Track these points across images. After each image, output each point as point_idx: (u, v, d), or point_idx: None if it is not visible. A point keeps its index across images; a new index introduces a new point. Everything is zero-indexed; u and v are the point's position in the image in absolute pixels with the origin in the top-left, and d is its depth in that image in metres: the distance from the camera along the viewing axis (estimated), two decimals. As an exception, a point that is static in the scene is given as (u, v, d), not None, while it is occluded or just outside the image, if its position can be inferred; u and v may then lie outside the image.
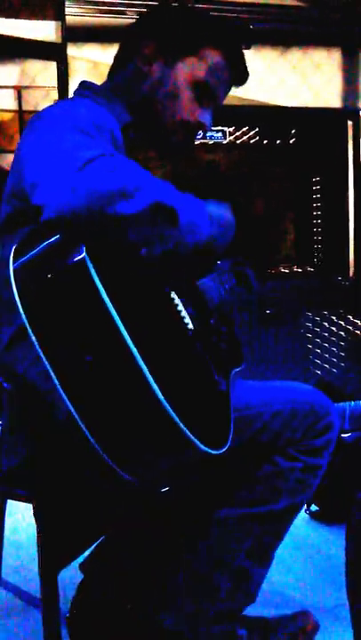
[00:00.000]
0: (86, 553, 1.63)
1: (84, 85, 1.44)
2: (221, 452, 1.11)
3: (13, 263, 1.06)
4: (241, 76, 1.48)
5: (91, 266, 1.00)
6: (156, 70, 1.41)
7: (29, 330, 1.02)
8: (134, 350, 0.97)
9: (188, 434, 1.01)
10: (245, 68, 1.48)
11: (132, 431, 1.03)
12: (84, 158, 1.04)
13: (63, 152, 1.07)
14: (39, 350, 1.01)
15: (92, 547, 1.63)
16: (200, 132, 1.46)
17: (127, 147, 1.37)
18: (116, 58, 1.49)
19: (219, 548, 1.42)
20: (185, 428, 1.01)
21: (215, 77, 1.42)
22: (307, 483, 1.42)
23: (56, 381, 1.01)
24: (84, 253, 1.00)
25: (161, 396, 0.98)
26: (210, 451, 1.06)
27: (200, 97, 1.42)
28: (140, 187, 1.03)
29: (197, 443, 1.03)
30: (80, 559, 1.62)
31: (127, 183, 1.02)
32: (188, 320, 1.28)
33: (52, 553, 1.34)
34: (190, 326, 1.28)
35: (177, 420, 0.99)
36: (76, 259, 1.01)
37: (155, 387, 0.98)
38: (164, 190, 1.07)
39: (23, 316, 1.02)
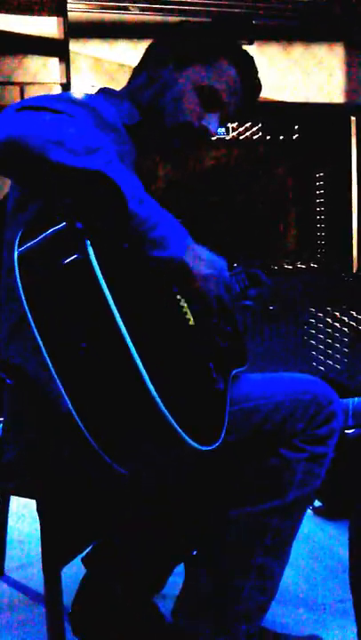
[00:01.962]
0: (89, 548, 1.63)
1: (101, 89, 1.48)
2: (211, 448, 1.11)
3: (18, 248, 1.07)
4: (253, 89, 1.50)
5: (93, 257, 1.01)
6: (165, 74, 1.44)
7: (28, 313, 1.03)
8: (129, 341, 0.98)
9: (177, 427, 1.02)
10: (258, 81, 1.50)
11: (122, 421, 1.04)
12: (28, 105, 1.07)
13: (18, 103, 1.09)
14: (36, 334, 1.03)
15: (95, 542, 1.64)
16: (206, 136, 1.46)
17: (136, 144, 1.39)
18: (135, 68, 1.53)
19: (237, 548, 1.43)
20: (174, 422, 1.01)
21: (223, 85, 1.44)
22: (314, 472, 1.43)
23: (51, 367, 1.02)
24: (88, 245, 1.01)
25: (152, 387, 0.99)
26: (199, 447, 1.07)
27: (206, 102, 1.44)
28: (92, 151, 1.03)
29: (186, 437, 1.04)
30: (83, 554, 1.62)
31: (71, 139, 1.02)
32: (189, 316, 1.28)
33: (55, 549, 1.34)
34: (191, 322, 1.28)
35: (166, 412, 1.00)
36: (79, 250, 1.02)
37: (147, 379, 0.99)
38: (120, 173, 1.05)
39: (23, 299, 1.04)
